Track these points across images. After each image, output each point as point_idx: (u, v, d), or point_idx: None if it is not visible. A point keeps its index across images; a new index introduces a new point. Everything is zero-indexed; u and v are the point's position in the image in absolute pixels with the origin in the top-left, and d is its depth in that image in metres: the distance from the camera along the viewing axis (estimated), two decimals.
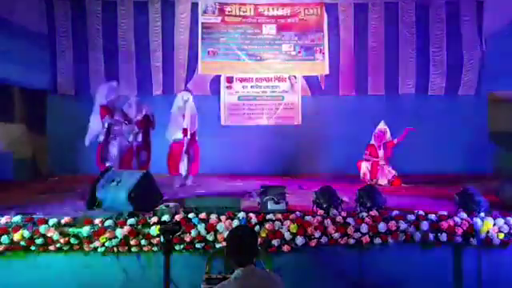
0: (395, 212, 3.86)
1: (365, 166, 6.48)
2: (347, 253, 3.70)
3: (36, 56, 7.49)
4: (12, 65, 6.58)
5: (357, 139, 6.94)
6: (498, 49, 7.62)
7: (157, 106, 6.79)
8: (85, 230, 3.59)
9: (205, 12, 8.20)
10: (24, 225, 3.62)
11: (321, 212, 3.89)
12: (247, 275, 2.06)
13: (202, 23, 8.19)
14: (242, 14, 8.23)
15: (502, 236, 3.68)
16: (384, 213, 3.87)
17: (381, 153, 6.46)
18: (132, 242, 3.59)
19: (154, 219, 3.70)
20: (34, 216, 3.76)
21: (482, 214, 3.82)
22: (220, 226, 3.62)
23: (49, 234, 3.56)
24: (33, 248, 3.59)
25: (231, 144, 7.84)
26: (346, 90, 8.27)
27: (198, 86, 8.10)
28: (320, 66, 8.28)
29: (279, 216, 3.76)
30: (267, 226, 3.65)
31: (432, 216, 3.78)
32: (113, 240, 3.57)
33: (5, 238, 3.55)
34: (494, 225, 3.71)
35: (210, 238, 3.60)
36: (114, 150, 5.73)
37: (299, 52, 8.27)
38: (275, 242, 3.60)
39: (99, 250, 3.59)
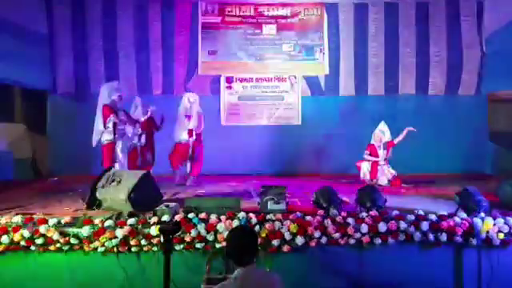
0: (395, 212, 3.86)
1: (365, 166, 6.47)
2: (347, 253, 3.70)
3: (36, 56, 7.49)
4: (12, 65, 6.58)
5: (357, 139, 6.94)
6: (497, 49, 7.62)
7: (157, 105, 6.77)
8: (85, 230, 3.59)
9: (205, 12, 8.20)
10: (24, 225, 3.62)
11: (321, 212, 3.89)
12: (247, 275, 2.06)
13: (202, 23, 8.19)
14: (242, 14, 8.23)
15: (501, 236, 3.68)
16: (384, 213, 3.86)
17: (381, 153, 6.46)
18: (132, 242, 3.59)
19: (154, 219, 3.70)
20: (34, 216, 3.76)
21: (482, 214, 3.82)
22: (220, 226, 3.62)
23: (49, 234, 3.56)
24: (33, 248, 3.59)
25: (231, 144, 7.83)
26: (345, 90, 8.27)
27: (198, 86, 8.10)
28: (320, 66, 8.27)
29: (279, 216, 3.76)
30: (267, 225, 3.65)
31: (432, 216, 3.78)
32: (113, 240, 3.57)
33: (5, 238, 3.55)
34: (494, 225, 3.71)
35: (210, 237, 3.60)
36: (120, 150, 5.73)
37: (299, 52, 8.27)
38: (275, 242, 3.60)
39: (99, 249, 3.59)
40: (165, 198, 4.62)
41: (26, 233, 3.56)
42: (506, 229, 3.70)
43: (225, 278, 2.24)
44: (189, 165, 6.44)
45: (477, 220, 3.71)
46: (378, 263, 3.70)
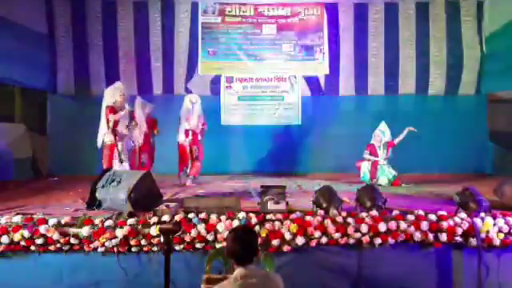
0: (395, 212, 3.85)
1: (365, 166, 6.47)
2: (347, 253, 3.69)
3: (36, 56, 7.49)
4: (12, 65, 6.58)
5: (357, 139, 6.95)
6: (498, 49, 7.62)
7: (157, 105, 6.78)
8: (85, 230, 3.59)
9: (205, 12, 8.20)
10: (24, 225, 3.62)
11: (321, 212, 3.89)
12: (247, 275, 2.06)
13: (202, 23, 8.19)
14: (242, 13, 8.23)
15: (501, 236, 3.68)
16: (384, 213, 3.86)
17: (380, 153, 6.46)
18: (132, 242, 3.58)
19: (154, 219, 3.70)
20: (33, 216, 3.76)
21: (482, 214, 3.81)
22: (220, 226, 3.62)
23: (49, 234, 3.56)
24: (33, 248, 3.58)
25: (231, 144, 7.84)
26: (346, 90, 8.27)
27: (198, 86, 8.11)
28: (320, 66, 8.28)
29: (279, 216, 3.76)
30: (267, 225, 3.65)
31: (432, 216, 3.78)
32: (113, 240, 3.57)
33: (5, 238, 3.55)
34: (494, 225, 3.70)
35: (210, 237, 3.60)
36: (120, 151, 5.72)
37: (299, 52, 8.28)
38: (275, 242, 3.60)
39: (99, 249, 3.59)
40: (165, 198, 4.62)
41: (26, 233, 3.55)
42: (505, 229, 3.69)
43: (225, 278, 2.23)
44: (190, 165, 6.44)
45: (477, 220, 3.71)
46: (377, 263, 3.69)
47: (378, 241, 3.65)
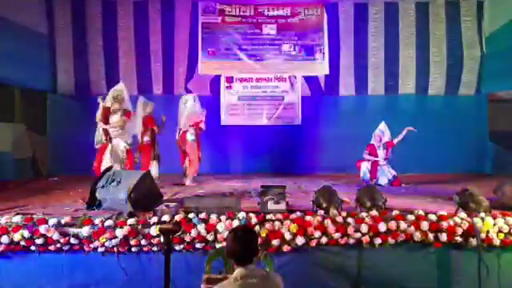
0: (395, 212, 3.85)
1: (365, 166, 6.47)
2: (347, 253, 3.69)
3: (36, 56, 7.49)
4: (12, 65, 6.58)
5: (357, 139, 6.95)
6: (497, 49, 7.62)
7: (157, 105, 6.77)
8: (85, 230, 3.59)
9: (205, 12, 8.20)
10: (24, 225, 3.62)
11: (321, 212, 3.89)
12: (247, 275, 2.06)
13: (202, 23, 8.19)
14: (242, 13, 8.24)
15: (501, 236, 3.68)
16: (384, 213, 3.86)
17: (380, 153, 6.45)
18: (132, 242, 3.58)
19: (154, 219, 3.70)
20: (33, 216, 3.76)
21: (482, 214, 3.81)
22: (220, 226, 3.62)
23: (49, 234, 3.56)
24: (33, 248, 3.58)
25: (231, 144, 7.84)
26: (346, 90, 8.27)
27: (197, 86, 8.11)
28: (320, 66, 8.28)
29: (279, 216, 3.76)
30: (267, 225, 3.65)
31: (432, 216, 3.78)
32: (113, 240, 3.57)
33: (5, 238, 3.55)
34: (494, 225, 3.70)
35: (210, 237, 3.60)
36: (109, 152, 5.73)
37: (299, 52, 8.28)
38: (275, 242, 3.60)
39: (99, 249, 3.59)
40: (165, 198, 4.62)
41: (26, 233, 3.55)
42: (505, 229, 3.69)
43: (225, 278, 2.23)
44: (187, 164, 6.45)
45: (477, 220, 3.71)
46: (377, 263, 3.69)
47: (377, 241, 3.65)
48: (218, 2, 8.18)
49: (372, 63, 8.20)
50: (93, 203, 4.25)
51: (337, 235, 3.64)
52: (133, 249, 3.62)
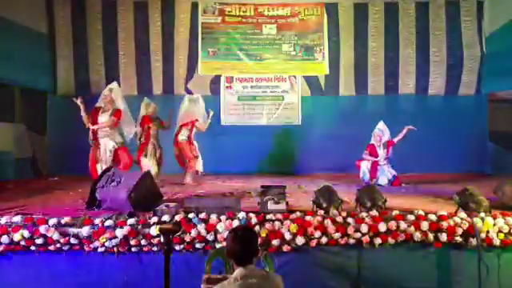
0: (395, 212, 3.85)
1: (365, 166, 6.46)
2: (347, 253, 3.69)
3: (36, 56, 7.49)
4: (12, 65, 6.58)
5: (357, 139, 6.94)
6: (497, 49, 7.62)
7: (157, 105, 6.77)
8: (85, 230, 3.59)
9: (205, 12, 8.20)
10: (24, 225, 3.62)
11: (321, 212, 3.89)
12: (247, 275, 2.05)
13: (202, 23, 8.19)
14: (242, 13, 8.24)
15: (501, 236, 3.68)
16: (384, 213, 3.86)
17: (381, 152, 6.45)
18: (132, 242, 3.59)
19: (154, 219, 3.70)
20: (34, 216, 3.76)
21: (482, 214, 3.81)
22: (220, 226, 3.62)
23: (49, 234, 3.56)
24: (33, 248, 3.58)
25: (231, 144, 7.83)
26: (346, 90, 8.27)
27: (198, 86, 8.11)
28: (320, 66, 8.28)
29: (279, 216, 3.76)
30: (267, 225, 3.65)
31: (432, 216, 3.78)
32: (113, 240, 3.57)
33: (5, 238, 3.55)
34: (494, 225, 3.70)
35: (210, 238, 3.60)
36: (99, 152, 5.75)
37: (299, 52, 8.28)
38: (275, 242, 3.60)
39: (99, 249, 3.59)
40: (165, 198, 4.62)
41: (26, 233, 3.55)
42: (505, 229, 3.70)
43: (225, 278, 2.23)
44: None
45: (477, 220, 3.71)
46: (377, 263, 3.69)
47: (378, 241, 3.65)
48: (218, 1, 8.17)
49: (372, 63, 8.20)
50: (93, 203, 4.25)
51: (337, 235, 3.64)
52: (133, 249, 3.62)
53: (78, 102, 5.74)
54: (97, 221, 3.67)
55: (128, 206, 3.98)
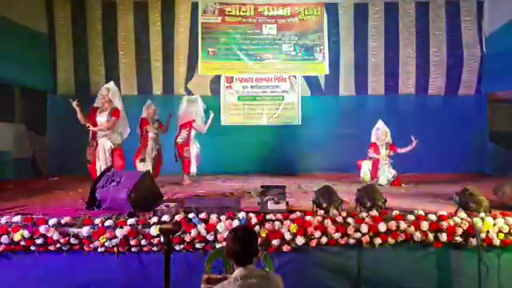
0: (395, 212, 3.85)
1: (365, 166, 6.47)
2: (347, 253, 3.69)
3: (36, 56, 7.48)
4: (12, 65, 6.58)
5: (357, 139, 6.95)
6: (497, 49, 7.62)
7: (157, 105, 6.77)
8: (85, 230, 3.59)
9: (205, 12, 8.20)
10: (24, 225, 3.62)
11: (321, 212, 3.89)
12: (247, 275, 2.05)
13: (202, 23, 8.19)
14: (241, 14, 8.23)
15: (501, 236, 3.68)
16: (384, 213, 3.86)
17: (383, 151, 6.45)
18: (132, 242, 3.59)
19: (154, 219, 3.70)
20: (34, 216, 3.76)
21: (482, 214, 3.81)
22: (220, 226, 3.62)
23: (49, 234, 3.56)
24: (33, 248, 3.58)
25: (231, 144, 7.83)
26: (346, 90, 8.27)
27: (197, 85, 8.11)
28: (320, 66, 8.28)
29: (279, 216, 3.76)
30: (267, 225, 3.65)
31: (432, 216, 3.78)
32: (113, 240, 3.57)
33: (5, 238, 3.55)
34: (494, 225, 3.70)
35: (210, 238, 3.60)
36: (100, 153, 5.75)
37: (299, 52, 8.28)
38: (275, 242, 3.60)
39: (99, 249, 3.59)
40: (165, 198, 4.62)
41: (26, 233, 3.55)
42: (505, 229, 3.70)
43: (225, 278, 2.23)
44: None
45: (477, 220, 3.71)
46: (377, 263, 3.69)
47: (378, 241, 3.65)
48: (218, 1, 8.16)
49: (372, 63, 8.20)
50: (93, 203, 4.26)
51: (337, 235, 3.64)
52: (133, 249, 3.62)
53: (74, 104, 5.69)
54: (97, 221, 3.67)
55: (128, 206, 3.98)
